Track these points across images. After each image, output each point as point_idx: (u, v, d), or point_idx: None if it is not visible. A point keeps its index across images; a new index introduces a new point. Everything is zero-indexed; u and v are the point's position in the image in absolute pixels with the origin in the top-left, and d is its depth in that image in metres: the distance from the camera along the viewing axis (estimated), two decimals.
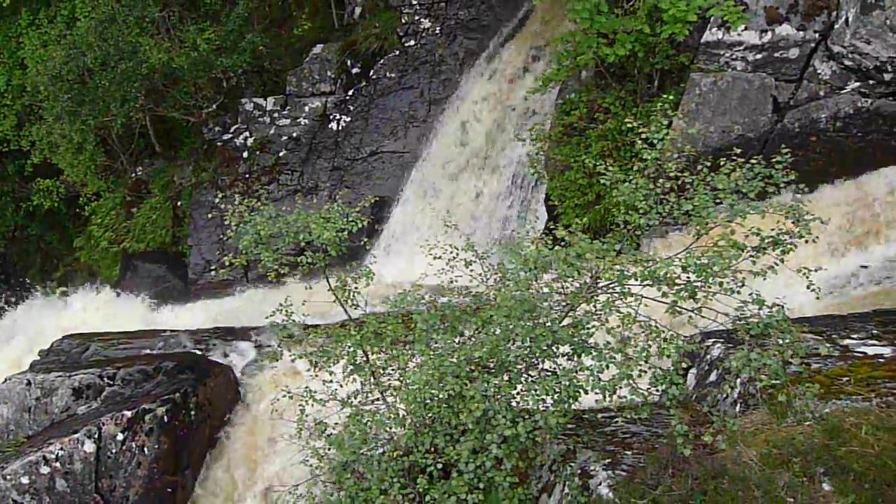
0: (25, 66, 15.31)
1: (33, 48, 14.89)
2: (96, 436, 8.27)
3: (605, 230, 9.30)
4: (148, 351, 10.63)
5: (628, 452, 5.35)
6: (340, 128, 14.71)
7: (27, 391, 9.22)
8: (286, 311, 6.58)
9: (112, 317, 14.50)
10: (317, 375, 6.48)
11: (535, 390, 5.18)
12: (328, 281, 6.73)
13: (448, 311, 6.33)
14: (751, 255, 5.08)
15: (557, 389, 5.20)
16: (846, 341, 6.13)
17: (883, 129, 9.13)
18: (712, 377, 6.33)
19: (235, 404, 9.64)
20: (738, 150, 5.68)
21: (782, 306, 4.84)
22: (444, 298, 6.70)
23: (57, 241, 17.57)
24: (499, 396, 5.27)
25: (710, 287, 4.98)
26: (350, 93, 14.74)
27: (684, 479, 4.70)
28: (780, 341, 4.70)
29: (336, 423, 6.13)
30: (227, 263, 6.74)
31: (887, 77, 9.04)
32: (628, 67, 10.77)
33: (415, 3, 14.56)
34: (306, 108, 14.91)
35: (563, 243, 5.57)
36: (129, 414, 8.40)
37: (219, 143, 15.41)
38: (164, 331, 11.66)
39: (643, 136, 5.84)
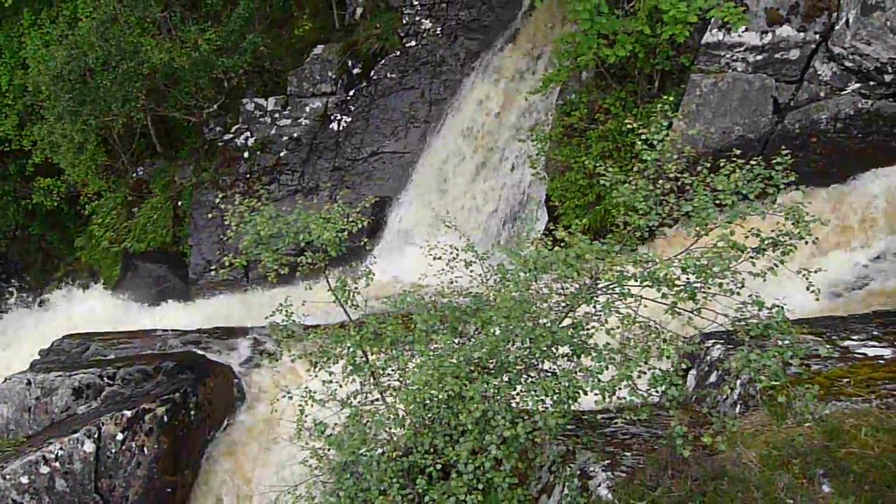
0: (27, 65, 15.34)
1: (35, 48, 14.92)
2: (96, 435, 8.27)
3: (606, 231, 9.30)
4: (148, 351, 10.63)
5: (628, 453, 5.35)
6: (341, 128, 14.72)
7: (27, 391, 9.22)
8: (286, 311, 6.58)
9: (112, 316, 14.51)
10: (316, 376, 6.48)
11: (535, 391, 5.18)
12: (328, 281, 6.73)
13: (448, 312, 6.33)
14: (750, 257, 5.07)
15: (557, 390, 5.20)
16: (846, 342, 6.13)
17: (883, 130, 9.12)
18: (712, 378, 6.32)
19: (235, 404, 9.64)
20: (739, 152, 5.68)
21: (782, 307, 4.83)
22: (444, 299, 6.70)
23: (58, 241, 17.60)
24: (498, 397, 5.26)
25: (709, 288, 4.97)
26: (351, 93, 14.75)
27: (684, 481, 4.69)
28: (780, 342, 4.70)
29: (336, 424, 6.12)
30: (227, 264, 6.73)
31: (888, 78, 9.03)
32: (629, 68, 10.77)
33: (416, 3, 14.58)
34: (307, 109, 14.93)
35: (562, 244, 5.56)
36: (128, 414, 8.40)
37: (220, 143, 15.43)
38: (165, 331, 11.66)
39: (643, 137, 5.84)
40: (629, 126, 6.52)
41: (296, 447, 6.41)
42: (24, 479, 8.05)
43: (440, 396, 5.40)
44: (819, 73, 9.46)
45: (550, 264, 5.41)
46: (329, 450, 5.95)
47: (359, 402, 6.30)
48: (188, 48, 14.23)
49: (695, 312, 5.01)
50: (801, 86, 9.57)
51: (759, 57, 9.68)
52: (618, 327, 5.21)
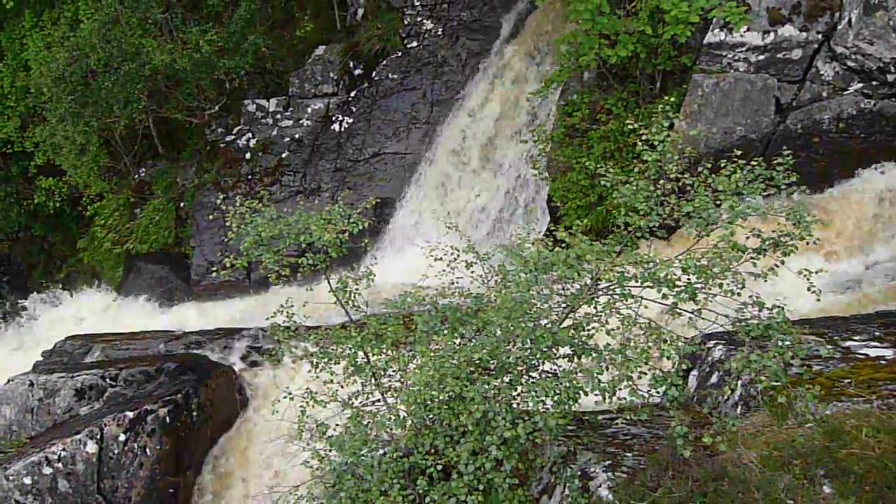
0: (29, 67, 15.35)
1: (37, 50, 14.92)
2: (98, 436, 8.29)
3: (608, 231, 9.28)
4: (150, 352, 10.65)
5: (629, 454, 5.35)
6: (343, 129, 14.72)
7: (30, 392, 9.25)
8: (287, 312, 6.58)
9: (114, 318, 14.54)
10: (317, 377, 6.48)
11: (535, 392, 5.17)
12: (329, 282, 6.73)
13: (449, 313, 6.33)
14: (751, 258, 5.07)
15: (557, 391, 5.19)
16: (848, 343, 6.11)
17: (886, 130, 9.10)
18: (714, 379, 6.31)
19: (237, 405, 9.65)
20: (740, 152, 5.67)
21: (782, 308, 4.82)
22: (444, 300, 6.70)
23: (60, 242, 17.61)
24: (499, 398, 5.26)
25: (710, 289, 4.97)
26: (352, 94, 14.76)
27: (684, 481, 4.69)
28: (781, 343, 4.69)
29: (337, 425, 6.13)
30: (228, 265, 6.74)
31: (890, 78, 9.01)
32: (630, 69, 10.76)
33: (417, 4, 14.57)
34: (309, 110, 14.93)
35: (563, 245, 5.56)
36: (131, 415, 8.42)
37: (221, 145, 15.44)
38: (167, 332, 11.68)
39: (644, 137, 5.83)
40: (630, 126, 6.51)
41: (297, 448, 6.42)
42: (28, 480, 8.07)
43: (441, 397, 5.40)
44: (821, 72, 9.45)
45: (551, 265, 5.41)
46: (330, 451, 5.95)
47: (360, 402, 6.30)
48: (190, 49, 14.24)
49: (695, 313, 5.00)
50: (804, 86, 9.55)
51: (762, 57, 9.67)
52: (618, 328, 5.20)
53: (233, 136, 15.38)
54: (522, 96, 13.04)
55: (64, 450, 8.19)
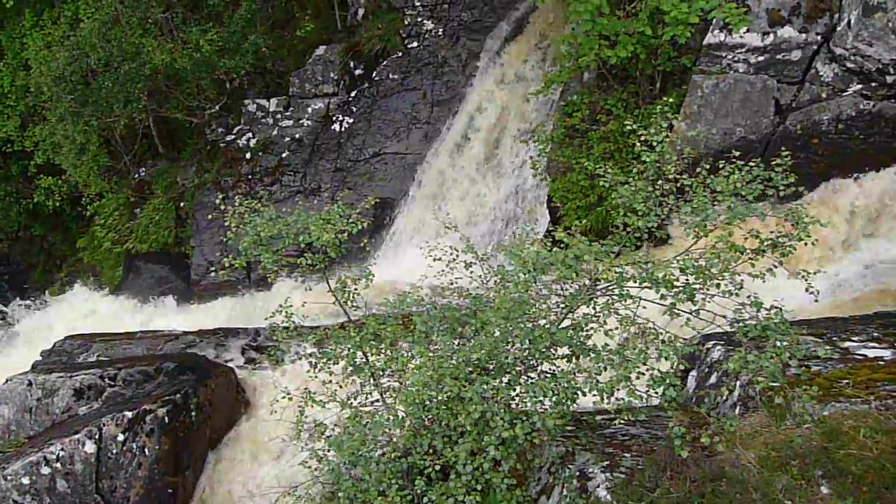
0: (29, 66, 15.36)
1: (37, 49, 14.93)
2: (97, 436, 8.28)
3: (608, 232, 9.27)
4: (149, 352, 10.64)
5: (627, 455, 5.35)
6: (343, 129, 14.73)
7: (28, 391, 9.24)
8: (286, 312, 6.59)
9: (114, 317, 14.54)
10: (316, 377, 6.48)
11: (533, 392, 5.17)
12: (328, 282, 6.73)
13: (448, 313, 6.33)
14: (749, 258, 5.07)
15: (555, 391, 5.19)
16: (847, 343, 6.11)
17: (885, 131, 9.11)
18: (712, 379, 6.31)
19: (236, 405, 9.65)
20: (739, 153, 5.67)
21: (780, 308, 4.83)
22: (443, 300, 6.70)
23: (60, 242, 17.61)
24: (497, 398, 5.26)
25: (708, 289, 4.97)
26: (353, 94, 14.76)
27: (682, 482, 4.69)
28: (778, 343, 4.69)
29: (335, 425, 6.13)
30: (227, 265, 6.74)
31: (889, 79, 9.01)
32: (630, 69, 10.76)
33: (417, 4, 14.58)
34: (309, 110, 14.94)
35: (562, 245, 5.56)
36: (129, 415, 8.41)
37: (222, 145, 15.44)
38: (166, 331, 11.68)
39: (643, 138, 5.84)
40: (629, 127, 6.52)
41: (296, 448, 6.42)
42: (26, 480, 8.07)
43: (439, 397, 5.40)
44: (821, 74, 9.45)
45: (550, 265, 5.41)
46: (329, 451, 5.95)
47: (359, 402, 6.30)
48: (190, 49, 14.25)
49: (694, 314, 5.00)
50: (803, 87, 9.55)
51: (761, 58, 9.67)
52: (616, 328, 5.20)
53: (233, 136, 15.39)
54: (522, 97, 13.04)
55: (62, 450, 8.19)
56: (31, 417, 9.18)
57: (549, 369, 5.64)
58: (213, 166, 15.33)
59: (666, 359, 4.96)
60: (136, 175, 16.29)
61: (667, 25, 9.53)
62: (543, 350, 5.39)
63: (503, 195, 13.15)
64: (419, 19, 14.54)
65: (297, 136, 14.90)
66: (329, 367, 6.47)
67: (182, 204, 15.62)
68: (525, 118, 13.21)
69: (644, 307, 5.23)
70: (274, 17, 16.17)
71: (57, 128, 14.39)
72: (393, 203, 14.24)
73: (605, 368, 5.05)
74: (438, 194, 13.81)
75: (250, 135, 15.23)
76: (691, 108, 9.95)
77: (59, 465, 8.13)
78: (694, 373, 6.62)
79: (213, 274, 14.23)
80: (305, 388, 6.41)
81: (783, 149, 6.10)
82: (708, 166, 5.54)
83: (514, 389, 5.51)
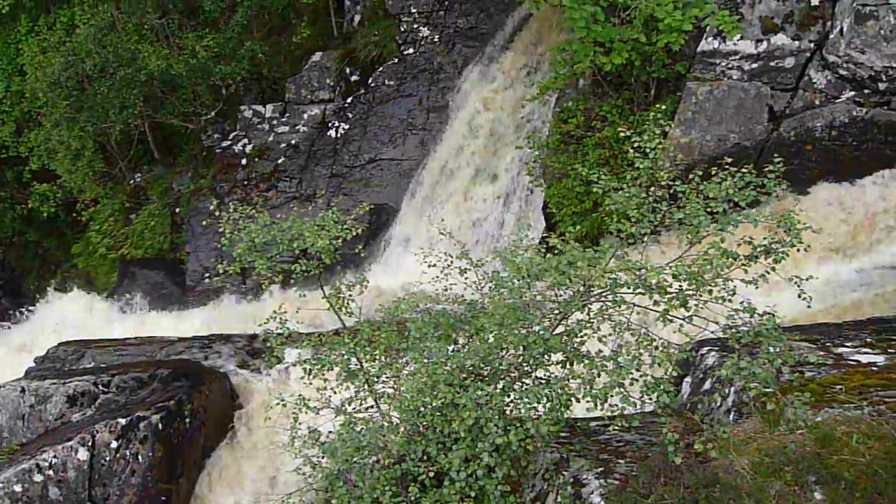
0: (24, 72, 15.36)
1: (32, 55, 14.94)
2: (90, 443, 8.25)
3: (603, 238, 9.30)
4: (143, 358, 10.61)
5: (621, 461, 5.34)
6: (339, 135, 14.74)
7: (21, 398, 9.20)
8: (280, 318, 6.57)
9: (108, 323, 14.49)
10: (310, 383, 6.47)
11: (527, 398, 5.17)
12: (322, 289, 6.73)
13: (442, 319, 6.33)
14: (742, 265, 5.08)
15: (549, 397, 5.19)
16: (840, 349, 6.12)
17: (878, 137, 9.16)
18: (707, 385, 6.32)
19: (230, 411, 9.62)
20: (732, 160, 5.70)
21: (773, 314, 4.84)
22: (438, 306, 6.70)
23: (55, 248, 17.57)
24: (491, 405, 5.25)
25: (701, 295, 4.98)
26: (349, 100, 14.78)
27: (676, 488, 4.69)
28: (771, 349, 4.70)
29: (330, 432, 6.11)
30: (221, 271, 6.73)
31: (882, 86, 9.07)
32: (625, 76, 10.80)
33: (413, 11, 14.62)
34: (305, 116, 14.95)
35: (556, 251, 5.57)
36: (123, 421, 8.38)
37: (217, 150, 15.44)
38: (160, 338, 11.65)
39: (636, 145, 5.86)
40: (623, 134, 6.54)
41: (290, 454, 6.39)
42: (18, 488, 8.02)
43: (434, 404, 5.39)
44: (814, 81, 9.50)
45: (543, 271, 5.41)
46: (322, 457, 5.93)
47: (353, 409, 6.29)
48: (186, 55, 14.27)
49: (687, 320, 5.01)
50: (796, 94, 9.60)
51: (755, 65, 9.72)
52: (610, 335, 5.21)
53: (229, 142, 15.39)
54: (518, 103, 13.07)
55: (55, 457, 8.15)
56: (24, 424, 9.14)
57: (544, 375, 5.64)
58: (209, 172, 15.32)
59: (659, 365, 4.97)
60: (132, 181, 16.27)
61: (661, 33, 9.56)
62: (537, 356, 5.39)
63: (498, 201, 13.16)
64: (415, 26, 14.58)
65: (293, 142, 14.91)
66: (323, 374, 6.46)
67: (177, 210, 15.61)
68: (520, 124, 13.23)
69: (638, 313, 5.24)
70: (270, 23, 16.21)
71: (52, 133, 14.39)
72: (389, 209, 14.25)
73: (599, 374, 5.05)
74: (434, 201, 13.82)
75: (246, 141, 15.23)
76: (686, 114, 10.00)
77: (51, 472, 8.09)
78: (688, 379, 6.62)
79: (208, 280, 14.24)
80: (300, 395, 6.39)
81: (776, 155, 6.13)
82: (700, 173, 5.56)
83: (509, 395, 5.50)
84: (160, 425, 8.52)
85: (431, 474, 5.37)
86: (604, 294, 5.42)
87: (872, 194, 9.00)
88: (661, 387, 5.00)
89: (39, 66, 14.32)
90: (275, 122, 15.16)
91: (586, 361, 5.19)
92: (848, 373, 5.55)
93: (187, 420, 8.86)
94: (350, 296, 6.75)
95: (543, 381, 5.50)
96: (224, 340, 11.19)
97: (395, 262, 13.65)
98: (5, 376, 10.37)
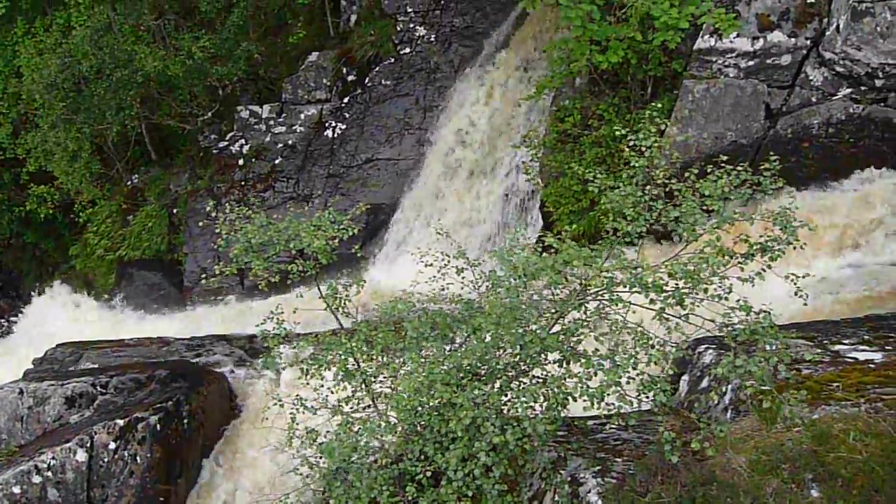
0: (21, 74, 15.32)
1: (29, 56, 14.90)
2: (88, 445, 8.24)
3: (600, 237, 9.28)
4: (141, 359, 10.60)
5: (618, 459, 5.34)
6: (336, 135, 14.73)
7: (19, 400, 9.19)
8: (277, 319, 6.57)
9: (106, 324, 14.48)
10: (308, 383, 6.47)
11: (524, 397, 5.17)
12: (319, 289, 6.72)
13: (439, 319, 6.33)
14: (738, 263, 5.08)
15: (546, 396, 5.19)
16: (837, 347, 6.12)
17: (875, 134, 9.16)
18: (704, 383, 6.32)
19: (228, 412, 9.62)
20: (728, 157, 5.71)
21: (769, 312, 4.84)
22: (435, 306, 6.69)
23: (52, 249, 17.55)
24: (488, 404, 5.25)
25: (697, 293, 4.98)
26: (345, 100, 14.77)
27: (673, 486, 4.69)
28: (768, 347, 4.70)
29: (327, 432, 6.10)
30: (218, 272, 6.72)
31: (878, 83, 9.07)
32: (622, 74, 10.80)
33: (410, 10, 14.61)
34: (302, 116, 14.93)
35: (553, 250, 5.56)
36: (121, 423, 8.37)
37: (214, 151, 15.42)
38: (159, 339, 11.64)
39: (632, 143, 5.86)
40: (619, 133, 6.54)
41: (288, 455, 6.39)
42: (16, 489, 8.01)
43: (431, 403, 5.39)
44: (810, 78, 9.50)
45: (540, 270, 5.41)
46: (320, 457, 5.93)
47: (350, 408, 6.29)
48: (182, 56, 14.24)
49: (683, 318, 5.01)
50: (793, 91, 9.60)
51: (751, 62, 9.72)
52: (606, 333, 5.21)
53: (226, 143, 15.37)
54: (515, 102, 13.06)
55: (53, 458, 8.14)
56: (23, 426, 9.12)
57: (541, 374, 5.64)
58: (206, 173, 15.30)
59: (656, 363, 4.97)
60: (129, 182, 16.25)
61: (657, 31, 9.55)
62: (534, 355, 5.39)
63: (495, 200, 13.16)
64: (411, 25, 14.57)
65: (289, 142, 14.90)
66: (321, 374, 6.46)
67: (175, 211, 15.59)
68: (517, 123, 13.23)
69: (634, 311, 5.24)
70: (266, 23, 16.19)
71: (49, 135, 14.36)
72: (386, 209, 14.24)
73: (595, 373, 5.05)
74: (431, 200, 13.81)
75: (243, 141, 15.21)
76: (682, 112, 9.99)
77: (50, 473, 8.09)
78: (686, 377, 6.63)
79: (205, 281, 14.23)
80: (297, 395, 6.39)
81: (773, 153, 6.13)
82: (696, 170, 5.56)
83: (506, 395, 5.51)
84: (158, 426, 8.51)
85: (429, 474, 5.37)
86: (600, 293, 5.42)
87: (866, 191, 9.00)
88: (658, 385, 5.00)
89: (36, 67, 14.29)
90: (271, 122, 15.14)
91: (583, 360, 5.19)
92: (845, 370, 5.56)
93: (185, 421, 8.85)
94: (347, 296, 6.75)
95: (540, 381, 5.50)
96: (222, 341, 11.18)
97: (392, 262, 13.64)
98: (3, 378, 10.36)
